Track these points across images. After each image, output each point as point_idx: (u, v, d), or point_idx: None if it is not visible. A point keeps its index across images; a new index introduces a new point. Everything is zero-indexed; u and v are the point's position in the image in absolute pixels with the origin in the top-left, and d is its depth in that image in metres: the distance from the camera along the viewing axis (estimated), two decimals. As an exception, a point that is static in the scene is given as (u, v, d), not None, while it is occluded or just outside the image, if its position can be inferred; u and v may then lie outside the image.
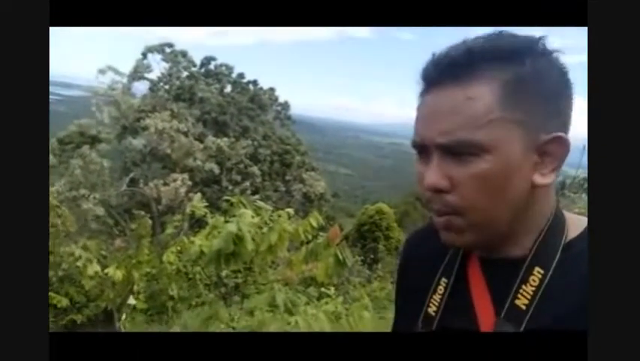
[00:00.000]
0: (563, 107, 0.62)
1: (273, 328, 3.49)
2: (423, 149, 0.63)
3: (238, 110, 20.03)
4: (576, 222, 0.66)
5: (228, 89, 21.27)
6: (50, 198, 7.71)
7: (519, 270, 0.63)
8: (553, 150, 0.61)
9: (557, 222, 0.65)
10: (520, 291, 0.62)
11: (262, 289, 4.57)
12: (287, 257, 4.57)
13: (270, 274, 4.82)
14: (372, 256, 10.37)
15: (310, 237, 3.96)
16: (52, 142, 15.64)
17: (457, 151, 0.59)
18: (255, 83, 21.90)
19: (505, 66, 0.59)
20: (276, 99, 22.40)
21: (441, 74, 0.60)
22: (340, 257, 3.56)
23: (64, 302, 7.76)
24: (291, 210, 4.07)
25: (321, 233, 4.13)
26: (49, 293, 7.94)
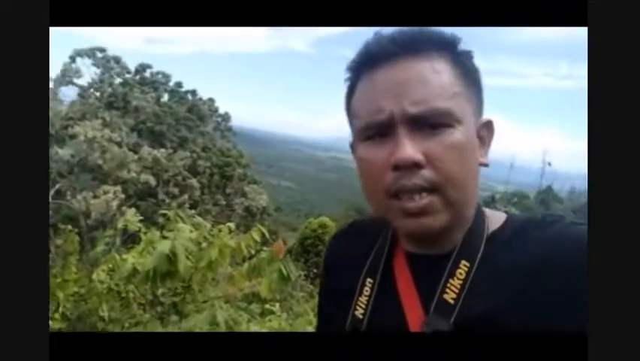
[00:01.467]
0: (481, 102, 0.65)
1: (213, 348, 3.34)
2: (384, 126, 0.60)
3: (176, 120, 19.36)
4: (495, 216, 0.67)
5: (165, 98, 20.55)
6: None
7: (445, 264, 0.63)
8: (485, 133, 0.65)
9: (480, 216, 0.66)
10: (448, 285, 0.61)
11: (202, 307, 4.35)
12: (229, 273, 4.41)
13: (210, 291, 4.62)
14: (315, 271, 10.34)
15: (253, 252, 3.85)
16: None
17: (431, 121, 0.58)
18: (193, 92, 21.36)
19: (449, 50, 0.62)
20: (216, 110, 21.97)
21: (401, 48, 0.59)
22: (284, 272, 3.48)
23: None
24: (232, 225, 3.94)
25: (264, 248, 4.03)
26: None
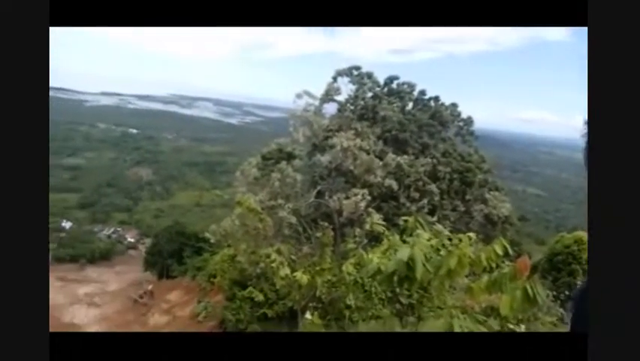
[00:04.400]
0: None
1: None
2: None
3: (418, 127, 20.01)
4: None
5: (410, 106, 21.47)
6: (255, 205, 9.05)
7: None
8: None
9: None
10: None
11: (438, 313, 4.44)
12: (467, 284, 4.35)
13: (447, 298, 4.66)
14: (566, 293, 8.97)
15: (494, 265, 3.69)
16: (257, 158, 18.36)
17: None
18: (436, 99, 21.57)
19: None
20: (459, 115, 21.57)
21: None
22: (530, 293, 3.21)
23: (260, 297, 8.98)
24: (472, 235, 3.87)
25: (506, 262, 3.81)
26: (249, 288, 9.29)
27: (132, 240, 67.47)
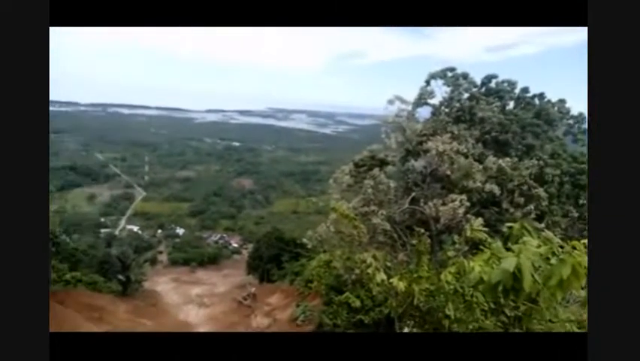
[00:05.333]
0: None
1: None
2: None
3: (521, 127, 18.61)
4: None
5: (511, 106, 20.09)
6: (349, 212, 9.16)
7: None
8: None
9: None
10: None
11: (549, 327, 4.08)
12: (583, 296, 3.95)
13: (559, 311, 4.25)
14: None
15: (615, 276, 3.31)
16: (350, 165, 18.54)
17: None
18: (541, 96, 19.88)
19: None
20: (567, 112, 19.62)
21: None
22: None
23: (357, 303, 9.04)
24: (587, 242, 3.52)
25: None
26: (346, 293, 9.40)
27: (236, 245, 72.42)
